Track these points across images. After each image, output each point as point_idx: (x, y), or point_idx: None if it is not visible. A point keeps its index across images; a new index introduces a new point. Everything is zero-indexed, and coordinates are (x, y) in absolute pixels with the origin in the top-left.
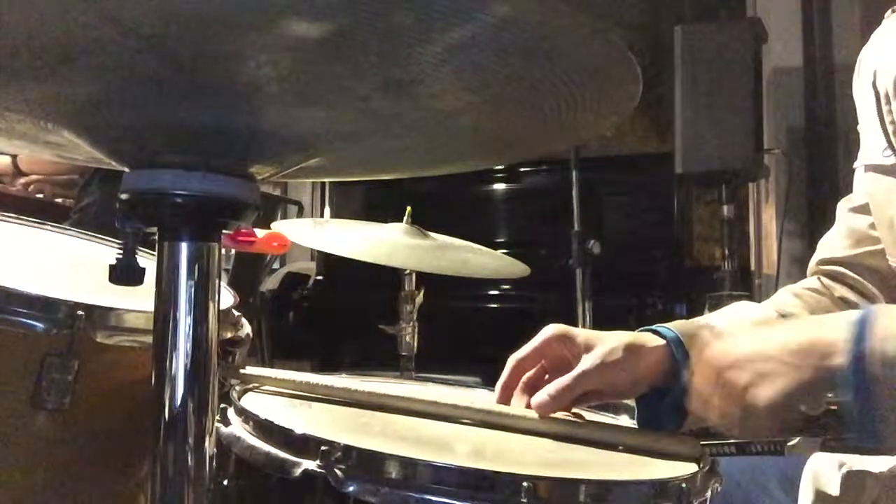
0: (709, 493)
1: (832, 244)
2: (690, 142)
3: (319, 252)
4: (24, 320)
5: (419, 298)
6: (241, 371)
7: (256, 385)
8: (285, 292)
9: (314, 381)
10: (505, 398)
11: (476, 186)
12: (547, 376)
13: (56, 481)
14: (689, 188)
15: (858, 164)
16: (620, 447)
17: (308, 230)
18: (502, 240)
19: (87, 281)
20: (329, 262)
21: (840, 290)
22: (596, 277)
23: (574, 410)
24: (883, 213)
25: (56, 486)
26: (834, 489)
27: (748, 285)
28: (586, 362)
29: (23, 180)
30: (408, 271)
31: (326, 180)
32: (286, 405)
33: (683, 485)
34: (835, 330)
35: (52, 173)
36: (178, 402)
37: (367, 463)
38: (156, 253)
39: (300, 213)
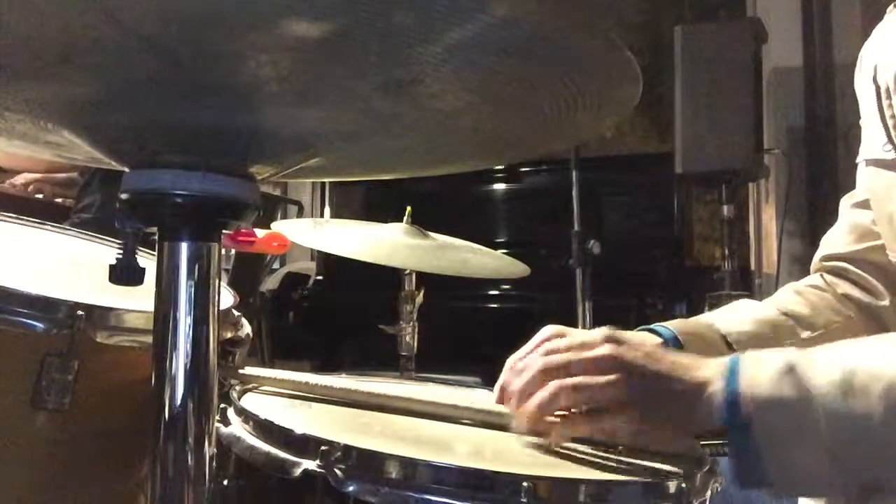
0: (709, 493)
1: (835, 240)
2: (690, 142)
3: (319, 252)
4: (24, 320)
5: (419, 298)
6: (241, 371)
7: (256, 385)
8: (285, 292)
9: (314, 382)
10: (504, 399)
11: (476, 186)
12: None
13: (56, 481)
14: (689, 188)
15: (860, 159)
16: (620, 447)
17: (308, 230)
18: (502, 240)
19: (87, 281)
20: (329, 262)
21: (843, 287)
22: (596, 277)
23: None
24: (883, 207)
25: (56, 486)
26: None
27: (748, 285)
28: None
29: (21, 180)
30: (408, 271)
31: (326, 180)
32: (286, 405)
33: (683, 485)
34: (712, 368)
35: (35, 169)
36: (178, 402)
37: (366, 463)
38: (156, 253)
39: (300, 213)
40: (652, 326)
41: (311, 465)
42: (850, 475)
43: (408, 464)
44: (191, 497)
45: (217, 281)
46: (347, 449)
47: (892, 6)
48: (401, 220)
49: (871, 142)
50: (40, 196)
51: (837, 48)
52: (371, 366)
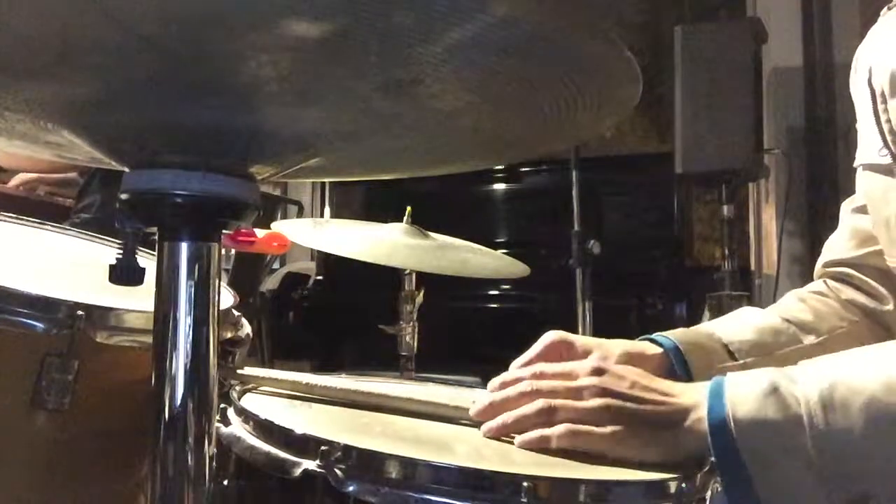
0: (709, 494)
1: (837, 246)
2: (690, 142)
3: (319, 252)
4: (24, 320)
5: (419, 298)
6: (241, 371)
7: (256, 385)
8: (285, 292)
9: (314, 382)
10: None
11: (476, 186)
12: None
13: (56, 481)
14: (689, 188)
15: (857, 164)
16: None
17: (308, 230)
18: (502, 240)
19: (87, 281)
20: (329, 262)
21: (847, 293)
22: (596, 277)
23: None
24: (879, 212)
25: (56, 486)
26: None
27: (748, 285)
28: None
29: (15, 182)
30: (408, 271)
31: (326, 180)
32: (286, 405)
33: (683, 485)
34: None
35: (35, 169)
36: (178, 402)
37: (367, 463)
38: (156, 253)
39: (300, 213)
40: (653, 336)
41: (311, 465)
42: (838, 491)
43: (408, 464)
44: (191, 497)
45: (217, 281)
46: (347, 449)
47: (885, 9)
48: (401, 220)
49: (867, 146)
50: (40, 194)
51: (837, 48)
52: (371, 366)
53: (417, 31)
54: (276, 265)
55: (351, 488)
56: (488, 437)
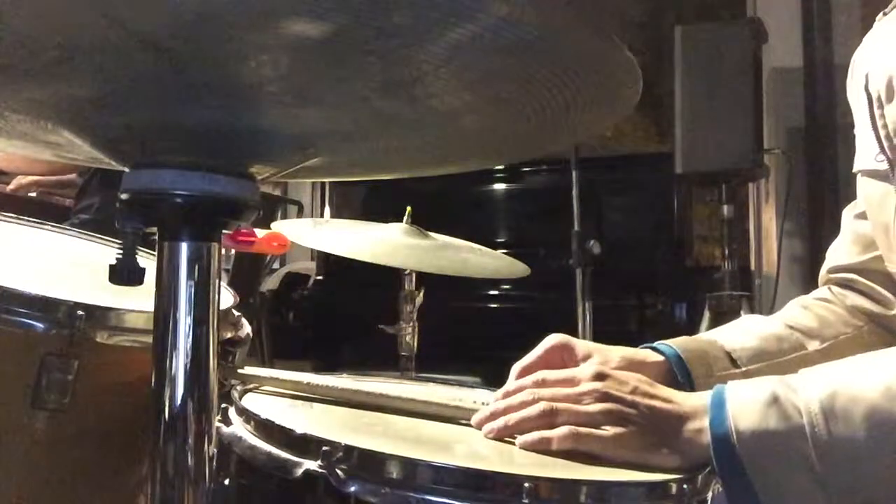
0: (709, 494)
1: (840, 251)
2: (690, 142)
3: (319, 252)
4: (24, 320)
5: (419, 298)
6: (241, 371)
7: (257, 385)
8: (285, 292)
9: (315, 382)
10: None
11: (476, 186)
12: None
13: (56, 481)
14: (689, 188)
15: (856, 169)
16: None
17: (308, 230)
18: (502, 240)
19: (87, 281)
20: (329, 262)
21: (852, 298)
22: (596, 277)
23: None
24: (878, 218)
25: (56, 486)
26: None
27: (748, 285)
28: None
29: (14, 186)
30: (408, 271)
31: (326, 180)
32: (287, 405)
33: (684, 485)
34: (698, 403)
35: (33, 171)
36: (178, 402)
37: (368, 463)
38: (156, 253)
39: (300, 213)
40: (654, 345)
41: (312, 465)
42: (841, 500)
43: (409, 464)
44: (191, 497)
45: (217, 281)
46: (349, 449)
47: (881, 14)
48: (401, 220)
49: (865, 152)
50: (33, 195)
51: (837, 48)
52: (371, 366)
53: (417, 31)
54: (276, 265)
55: (352, 488)
56: (490, 438)
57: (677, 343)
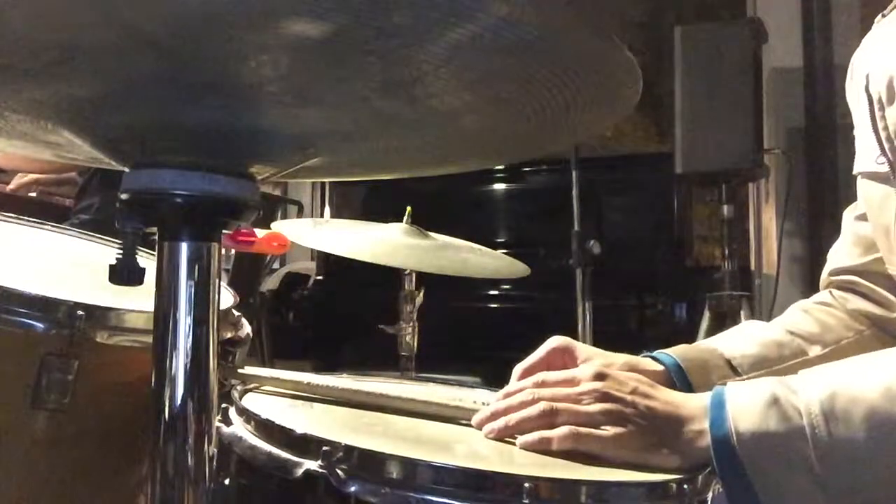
0: (709, 494)
1: (841, 254)
2: (690, 142)
3: (319, 252)
4: (24, 320)
5: (419, 298)
6: (241, 371)
7: (258, 385)
8: (285, 292)
9: (315, 382)
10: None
11: (476, 186)
12: None
13: (56, 481)
14: (689, 188)
15: (856, 171)
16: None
17: (308, 230)
18: (502, 240)
19: (87, 281)
20: (329, 262)
21: (854, 302)
22: (596, 277)
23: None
24: (878, 220)
25: (56, 486)
26: None
27: (748, 285)
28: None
29: (14, 185)
30: (408, 271)
31: (326, 180)
32: (287, 405)
33: (684, 485)
34: (699, 404)
35: (33, 170)
36: (178, 402)
37: (368, 463)
38: (156, 253)
39: (300, 213)
40: (654, 354)
41: (312, 465)
42: (841, 501)
43: (409, 464)
44: (191, 497)
45: (217, 281)
46: (349, 449)
47: (879, 16)
48: (401, 220)
49: (865, 154)
50: (33, 194)
51: (837, 48)
52: (371, 366)
53: (417, 31)
54: (276, 265)
55: (352, 488)
56: (490, 438)
57: (677, 352)
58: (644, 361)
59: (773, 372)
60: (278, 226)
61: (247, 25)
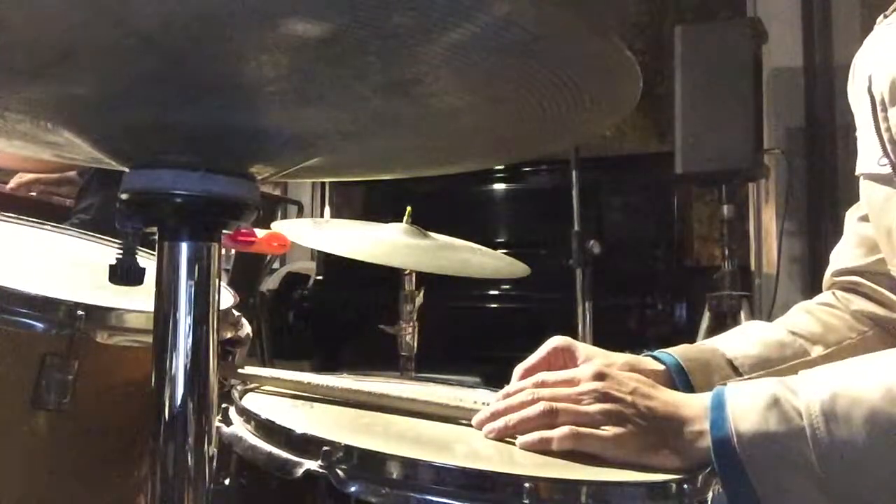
0: (709, 495)
1: (844, 254)
2: (690, 142)
3: (319, 252)
4: (24, 320)
5: (419, 298)
6: (242, 371)
7: (258, 385)
8: (285, 292)
9: (315, 382)
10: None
11: (476, 186)
12: None
13: (56, 481)
14: (689, 188)
15: (858, 172)
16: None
17: (308, 230)
18: (502, 240)
19: (87, 281)
20: (329, 262)
21: (857, 303)
22: (596, 277)
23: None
24: (880, 222)
25: (56, 486)
26: None
27: (748, 285)
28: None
29: (14, 183)
30: (408, 271)
31: (326, 180)
32: (287, 405)
33: (684, 486)
34: (699, 405)
35: (32, 170)
36: (178, 402)
37: (368, 463)
38: (156, 253)
39: (300, 213)
40: (655, 353)
41: (312, 465)
42: (842, 502)
43: (409, 464)
44: (191, 497)
45: (217, 281)
46: (349, 449)
47: (881, 17)
48: (401, 220)
49: (867, 155)
50: (33, 194)
51: (837, 48)
52: (371, 366)
53: (417, 31)
54: (276, 265)
55: (352, 489)
56: (490, 439)
57: (678, 352)
58: (645, 361)
59: (774, 372)
60: (278, 226)
61: (247, 25)
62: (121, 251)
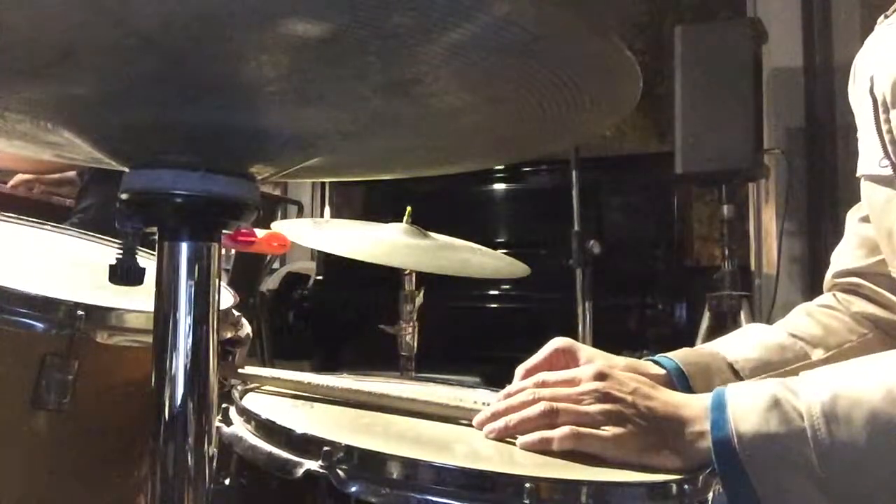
0: (710, 495)
1: (845, 255)
2: (690, 142)
3: (319, 252)
4: (24, 320)
5: (419, 298)
6: (243, 371)
7: (258, 385)
8: (285, 292)
9: (315, 381)
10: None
11: (476, 186)
12: None
13: (56, 481)
14: (689, 188)
15: (859, 174)
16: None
17: (308, 230)
18: (502, 240)
19: (87, 281)
20: (329, 262)
21: (858, 305)
22: (596, 277)
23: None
24: (881, 223)
25: (56, 486)
26: None
27: (748, 285)
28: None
29: (13, 183)
30: (408, 271)
31: (326, 180)
32: (288, 405)
33: (685, 486)
34: (700, 406)
35: (31, 170)
36: (178, 402)
37: (368, 463)
38: (156, 253)
39: (300, 213)
40: (655, 358)
41: (313, 465)
42: (843, 503)
43: (410, 464)
44: (191, 497)
45: (217, 281)
46: (349, 449)
47: (882, 17)
48: (401, 220)
49: (868, 156)
50: (33, 193)
51: (837, 48)
52: (371, 366)
53: (417, 31)
54: (276, 265)
55: (353, 489)
56: (490, 439)
57: (678, 356)
58: (645, 365)
59: (775, 376)
60: (278, 226)
61: (247, 25)
62: (121, 251)
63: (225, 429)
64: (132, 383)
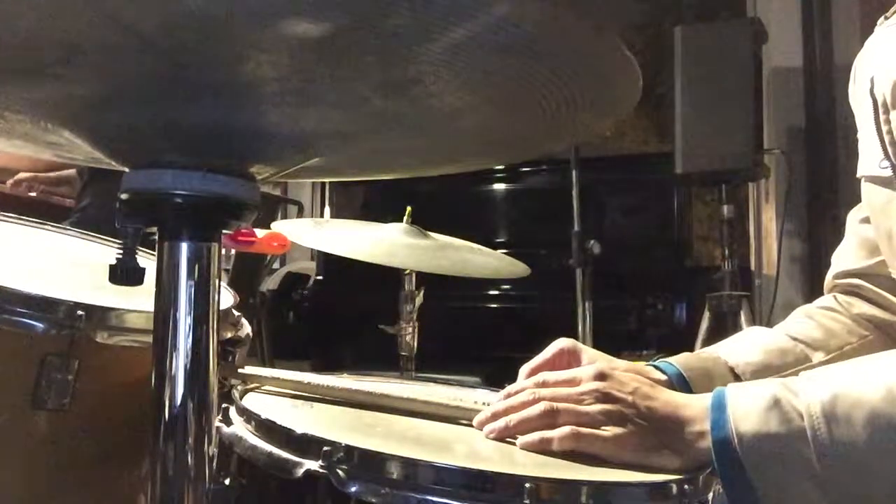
0: (710, 495)
1: (846, 256)
2: (690, 142)
3: (319, 252)
4: (24, 320)
5: (419, 298)
6: (243, 371)
7: (258, 385)
8: (285, 292)
9: (315, 382)
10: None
11: (476, 186)
12: None
13: (56, 481)
14: (689, 188)
15: (859, 175)
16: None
17: (308, 230)
18: (502, 240)
19: (87, 281)
20: (329, 262)
21: (858, 306)
22: (596, 277)
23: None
24: (881, 224)
25: (56, 486)
26: None
27: (748, 285)
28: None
29: (13, 181)
30: (408, 271)
31: (326, 180)
32: (288, 405)
33: (685, 486)
34: (700, 406)
35: (31, 169)
36: (178, 402)
37: (368, 463)
38: (156, 253)
39: (300, 213)
40: (656, 363)
41: (313, 465)
42: (843, 503)
43: (410, 464)
44: (191, 497)
45: (217, 281)
46: (349, 449)
47: (882, 18)
48: (401, 220)
49: (868, 158)
50: (33, 194)
51: (837, 48)
52: (371, 366)
53: (417, 31)
54: (276, 265)
55: (353, 489)
56: (490, 439)
57: (679, 361)
58: (647, 370)
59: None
60: (278, 226)
61: (247, 25)
62: (121, 251)
63: (225, 429)
64: (132, 383)
